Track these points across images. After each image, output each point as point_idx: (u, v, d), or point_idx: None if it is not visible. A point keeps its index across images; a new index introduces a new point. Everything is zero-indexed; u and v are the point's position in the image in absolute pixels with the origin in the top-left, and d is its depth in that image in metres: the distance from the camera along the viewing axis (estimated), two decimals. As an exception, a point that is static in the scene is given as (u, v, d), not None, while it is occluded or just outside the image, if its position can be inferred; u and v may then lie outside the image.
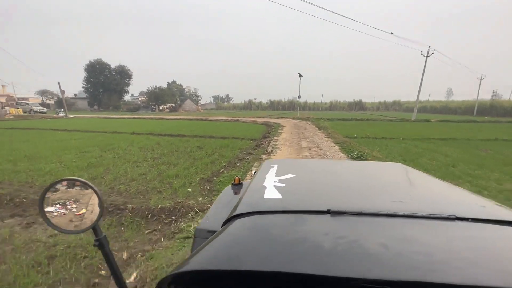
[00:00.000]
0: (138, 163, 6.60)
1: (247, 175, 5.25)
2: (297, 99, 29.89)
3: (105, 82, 60.59)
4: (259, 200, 0.81)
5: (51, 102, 65.00)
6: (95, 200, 0.79)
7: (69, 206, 0.80)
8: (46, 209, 0.76)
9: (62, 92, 33.92)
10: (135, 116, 31.09)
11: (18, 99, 54.15)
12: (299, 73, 27.28)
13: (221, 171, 5.79)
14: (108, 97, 59.97)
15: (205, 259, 0.54)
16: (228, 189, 1.41)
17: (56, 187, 0.80)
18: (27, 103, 34.52)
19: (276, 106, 75.49)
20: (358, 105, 76.81)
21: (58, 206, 0.79)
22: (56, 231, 0.80)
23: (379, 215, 0.67)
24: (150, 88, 61.68)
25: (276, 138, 11.01)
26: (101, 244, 0.78)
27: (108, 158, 7.07)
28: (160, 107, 61.98)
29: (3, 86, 63.44)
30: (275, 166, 1.24)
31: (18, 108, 31.97)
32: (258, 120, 23.88)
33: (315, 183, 1.08)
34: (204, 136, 11.98)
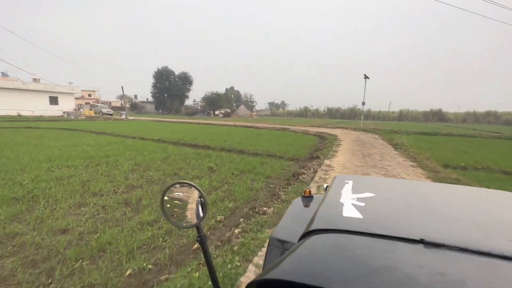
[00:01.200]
0: (96, 196, 4.17)
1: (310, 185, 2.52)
2: (361, 106, 24.93)
3: (169, 87, 65.26)
4: (337, 218, 0.77)
5: (127, 105, 74.47)
6: (199, 200, 0.91)
7: (181, 205, 0.94)
8: (165, 206, 0.90)
9: (136, 96, 36.76)
10: (185, 120, 30.94)
11: (102, 102, 62.80)
12: (364, 75, 22.30)
13: (194, 247, 2.78)
14: (171, 101, 64.31)
15: (290, 270, 0.54)
16: (298, 201, 1.38)
17: (173, 188, 0.94)
18: (97, 105, 38.38)
19: (334, 114, 68.96)
20: (437, 115, 63.77)
21: (173, 204, 0.94)
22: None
23: (492, 256, 0.55)
24: (207, 93, 63.72)
25: (328, 161, 7.41)
26: (202, 241, 0.85)
27: (69, 183, 4.87)
28: (216, 112, 63.40)
29: (93, 91, 75.25)
30: (350, 182, 1.12)
31: (91, 110, 35.71)
32: (311, 129, 20.20)
33: (400, 206, 0.93)
34: (233, 150, 9.26)
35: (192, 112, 65.58)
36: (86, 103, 58.23)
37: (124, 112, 34.53)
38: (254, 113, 79.36)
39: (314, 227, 0.70)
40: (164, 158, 7.46)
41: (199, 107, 73.12)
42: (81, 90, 75.18)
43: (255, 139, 12.90)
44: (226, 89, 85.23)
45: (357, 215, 0.76)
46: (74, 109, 33.40)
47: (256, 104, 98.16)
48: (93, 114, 34.29)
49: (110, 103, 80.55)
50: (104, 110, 35.97)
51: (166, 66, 65.70)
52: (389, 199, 1.00)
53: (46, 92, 32.15)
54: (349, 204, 0.85)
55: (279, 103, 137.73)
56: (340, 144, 11.19)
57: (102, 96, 79.23)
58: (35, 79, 38.01)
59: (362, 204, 0.85)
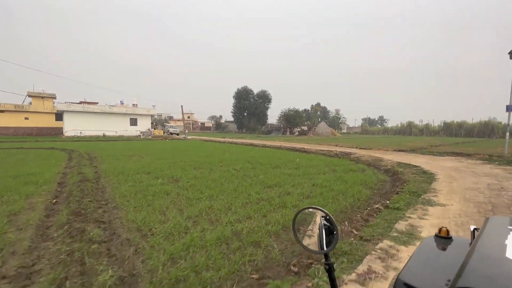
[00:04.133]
0: None
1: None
2: (501, 117, 13.41)
3: (248, 106, 65.23)
4: (509, 280, 0.58)
5: (213, 124, 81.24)
6: (329, 227, 0.89)
7: (309, 230, 0.95)
8: (296, 230, 0.94)
9: (221, 116, 37.07)
10: (233, 140, 27.02)
11: (193, 122, 69.42)
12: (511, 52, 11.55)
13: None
14: (248, 120, 63.73)
15: None
16: (430, 240, 1.09)
17: (302, 213, 0.97)
18: (166, 125, 40.48)
19: (454, 131, 49.99)
20: None
21: (302, 229, 0.97)
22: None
23: None
24: (284, 110, 59.38)
25: None
26: (330, 269, 0.84)
27: None
28: (296, 130, 58.04)
29: (192, 113, 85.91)
30: None
31: (161, 130, 37.80)
32: (389, 157, 11.68)
33: None
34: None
35: (268, 130, 62.67)
36: (185, 124, 63.92)
37: (186, 131, 34.67)
38: (342, 131, 68.80)
39: (467, 283, 0.57)
40: None
41: (281, 125, 69.64)
42: (183, 113, 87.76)
43: (263, 180, 6.73)
44: (312, 105, 78.85)
45: None
46: (148, 129, 36.07)
47: (345, 120, 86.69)
48: (162, 134, 35.98)
49: (204, 123, 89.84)
50: (171, 130, 37.49)
51: (246, 86, 66.42)
52: None
53: (127, 115, 35.97)
54: None
55: (376, 119, 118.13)
56: (420, 231, 3.50)
57: (197, 117, 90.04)
58: (134, 104, 44.50)
59: None
